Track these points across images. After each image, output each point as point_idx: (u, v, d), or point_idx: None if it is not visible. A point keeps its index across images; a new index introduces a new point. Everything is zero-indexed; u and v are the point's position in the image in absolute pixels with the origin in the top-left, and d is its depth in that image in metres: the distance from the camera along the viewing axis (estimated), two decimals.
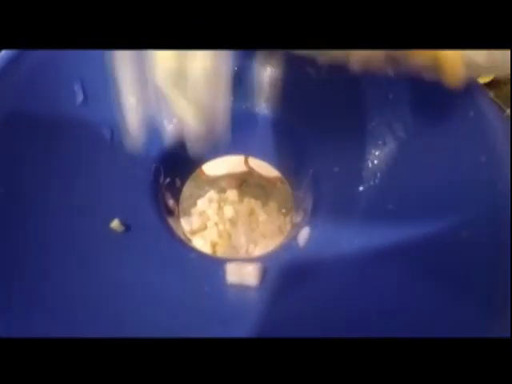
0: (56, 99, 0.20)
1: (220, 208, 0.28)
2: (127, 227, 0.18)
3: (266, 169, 0.29)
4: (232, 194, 0.28)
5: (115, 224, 0.18)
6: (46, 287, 0.16)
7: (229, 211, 0.26)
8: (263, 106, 0.22)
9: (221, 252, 0.26)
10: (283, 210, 0.28)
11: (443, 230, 0.17)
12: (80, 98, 0.20)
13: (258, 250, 0.25)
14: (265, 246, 0.25)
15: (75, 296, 0.16)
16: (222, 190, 0.29)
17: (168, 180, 0.22)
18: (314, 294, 0.17)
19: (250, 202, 0.27)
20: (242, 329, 0.16)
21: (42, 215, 0.17)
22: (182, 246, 0.19)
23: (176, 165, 0.22)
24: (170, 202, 0.22)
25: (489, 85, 0.31)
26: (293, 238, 0.19)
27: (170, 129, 0.21)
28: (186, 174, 0.24)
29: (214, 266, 0.18)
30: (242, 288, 0.17)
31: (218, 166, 0.27)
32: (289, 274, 0.18)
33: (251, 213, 0.27)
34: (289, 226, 0.26)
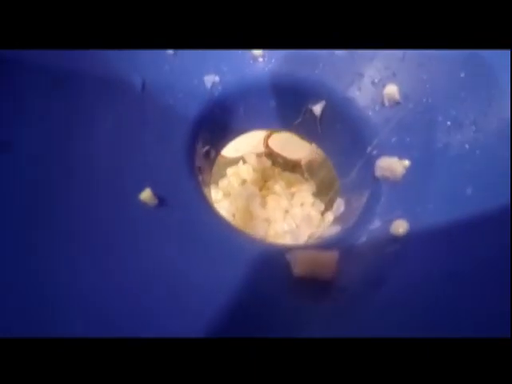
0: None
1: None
2: (160, 200, 0.15)
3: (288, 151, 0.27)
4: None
5: (146, 195, 0.15)
6: (72, 274, 0.13)
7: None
8: None
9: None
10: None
11: None
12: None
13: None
14: None
15: (103, 283, 0.13)
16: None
17: (206, 148, 0.18)
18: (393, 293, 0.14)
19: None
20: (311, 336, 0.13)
21: (63, 185, 0.14)
22: (228, 228, 0.16)
23: (214, 131, 0.19)
24: (206, 171, 0.19)
25: None
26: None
27: (210, 86, 0.18)
28: (222, 144, 0.21)
29: (274, 254, 0.15)
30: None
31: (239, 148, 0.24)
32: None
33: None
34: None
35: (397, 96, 0.18)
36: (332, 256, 0.14)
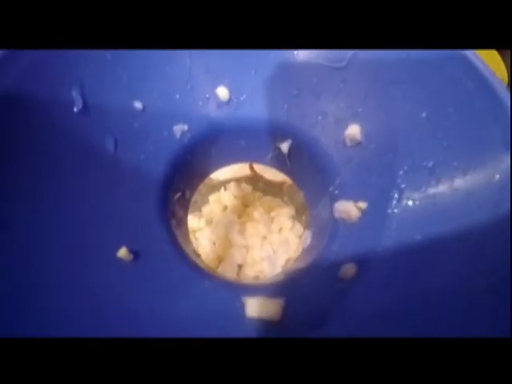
0: (50, 107, 0.17)
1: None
2: (136, 254, 0.17)
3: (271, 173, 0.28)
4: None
5: (122, 253, 0.17)
6: (53, 320, 0.15)
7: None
8: None
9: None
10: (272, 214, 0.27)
11: None
12: (79, 104, 0.18)
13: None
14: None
15: (85, 327, 0.15)
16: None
17: (179, 194, 0.20)
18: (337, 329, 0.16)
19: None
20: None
21: (39, 248, 0.16)
22: (196, 274, 0.18)
23: (187, 176, 0.21)
24: (180, 215, 0.21)
25: None
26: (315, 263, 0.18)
27: (179, 135, 0.20)
28: (196, 184, 0.22)
29: (231, 297, 0.17)
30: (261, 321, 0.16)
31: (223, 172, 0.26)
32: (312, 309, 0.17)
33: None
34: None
35: (358, 136, 0.19)
36: (278, 302, 0.16)
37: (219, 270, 0.23)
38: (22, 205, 0.16)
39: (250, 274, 0.22)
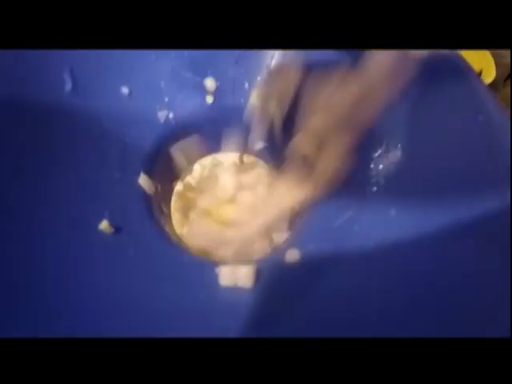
0: (42, 87, 0.18)
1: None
2: (117, 229, 0.18)
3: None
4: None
5: (104, 225, 0.18)
6: (39, 293, 0.16)
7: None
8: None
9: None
10: None
11: None
12: (69, 86, 0.19)
13: None
14: None
15: (68, 300, 0.16)
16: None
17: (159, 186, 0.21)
18: (305, 297, 0.17)
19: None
20: (235, 331, 0.16)
21: (29, 217, 0.17)
22: (174, 248, 0.19)
23: (170, 161, 0.22)
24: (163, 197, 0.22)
25: (488, 86, 0.32)
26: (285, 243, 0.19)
27: (163, 121, 0.21)
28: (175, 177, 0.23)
29: (207, 269, 0.18)
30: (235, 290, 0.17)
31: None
32: (281, 278, 0.18)
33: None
34: None
35: None
36: (249, 269, 0.17)
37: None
38: (10, 176, 0.17)
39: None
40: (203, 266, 0.18)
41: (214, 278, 0.17)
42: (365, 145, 0.20)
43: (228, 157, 0.24)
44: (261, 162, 0.24)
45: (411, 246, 0.18)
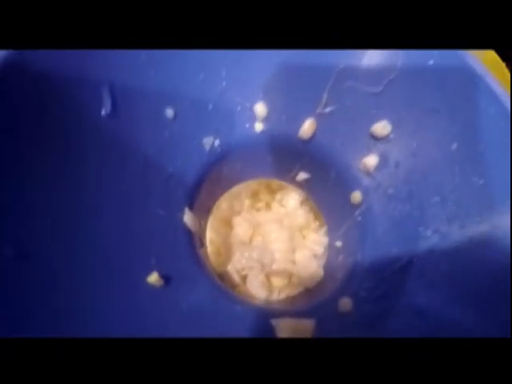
0: (79, 108, 0.16)
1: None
2: (167, 279, 0.16)
3: None
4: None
5: (153, 278, 0.16)
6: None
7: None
8: None
9: None
10: None
11: None
12: (108, 107, 0.16)
13: None
14: None
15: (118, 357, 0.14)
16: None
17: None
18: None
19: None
20: None
21: (66, 276, 0.14)
22: (226, 298, 0.18)
23: (212, 188, 0.20)
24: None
25: None
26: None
27: (208, 149, 0.19)
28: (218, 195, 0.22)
29: (263, 320, 0.17)
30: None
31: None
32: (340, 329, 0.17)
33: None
34: None
35: (371, 167, 0.20)
36: (309, 324, 0.16)
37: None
38: (41, 224, 0.15)
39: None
40: (258, 317, 0.17)
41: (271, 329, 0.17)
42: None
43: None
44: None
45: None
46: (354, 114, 0.20)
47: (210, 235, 0.21)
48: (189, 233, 0.18)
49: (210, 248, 0.21)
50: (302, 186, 0.23)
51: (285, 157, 0.21)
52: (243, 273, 0.21)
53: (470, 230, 0.19)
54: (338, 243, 0.22)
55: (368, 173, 0.20)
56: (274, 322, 0.17)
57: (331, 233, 0.22)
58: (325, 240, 0.22)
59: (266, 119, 0.20)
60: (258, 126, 0.20)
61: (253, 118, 0.20)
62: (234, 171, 0.21)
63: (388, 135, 0.20)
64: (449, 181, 0.19)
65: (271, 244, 0.21)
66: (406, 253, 0.19)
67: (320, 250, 0.22)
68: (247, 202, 0.22)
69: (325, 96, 0.20)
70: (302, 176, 0.22)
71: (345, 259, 0.20)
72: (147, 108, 0.17)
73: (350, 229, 0.21)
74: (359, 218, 0.20)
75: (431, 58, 0.19)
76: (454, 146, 0.19)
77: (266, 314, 0.17)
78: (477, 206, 0.18)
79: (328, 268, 0.21)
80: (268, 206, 0.23)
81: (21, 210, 0.14)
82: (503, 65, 0.33)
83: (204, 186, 0.19)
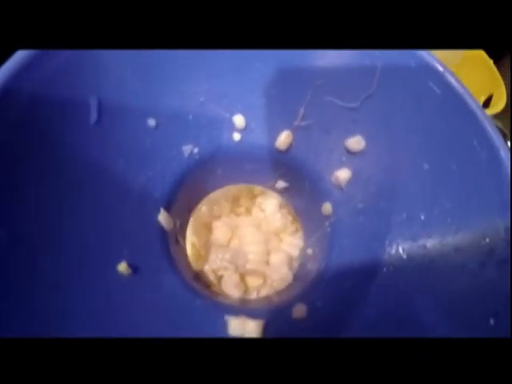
0: (66, 116, 0.18)
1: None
2: (134, 269, 0.18)
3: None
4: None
5: (123, 267, 0.18)
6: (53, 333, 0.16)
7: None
8: None
9: None
10: None
11: None
12: (94, 116, 0.18)
13: None
14: None
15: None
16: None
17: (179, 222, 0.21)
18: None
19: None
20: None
21: (50, 255, 0.17)
22: (188, 291, 0.19)
23: (189, 193, 0.22)
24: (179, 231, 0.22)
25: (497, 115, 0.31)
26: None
27: (187, 155, 0.21)
28: (196, 201, 0.23)
29: (217, 316, 0.18)
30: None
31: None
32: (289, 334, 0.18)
33: None
34: None
35: (344, 182, 0.21)
36: (258, 323, 0.18)
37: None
38: (29, 212, 0.17)
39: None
40: (214, 313, 0.19)
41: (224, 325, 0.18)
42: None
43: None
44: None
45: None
46: (330, 128, 0.21)
47: (191, 238, 0.23)
48: (162, 231, 0.20)
49: (190, 250, 0.23)
50: (281, 193, 0.24)
51: (263, 165, 0.22)
52: (219, 273, 0.23)
53: (432, 250, 0.19)
54: (309, 250, 0.22)
55: (339, 186, 0.21)
56: (227, 317, 0.18)
57: (305, 239, 0.23)
58: (300, 243, 0.23)
59: (244, 130, 0.21)
60: (236, 136, 0.21)
61: (232, 129, 0.21)
62: (215, 177, 0.23)
63: (362, 150, 0.21)
64: (418, 200, 0.19)
65: (246, 246, 0.23)
66: (369, 266, 0.20)
67: (295, 252, 0.23)
68: (227, 207, 0.24)
69: (302, 110, 0.21)
70: (281, 184, 0.23)
71: (312, 267, 0.21)
72: (131, 117, 0.20)
73: (320, 238, 0.22)
74: (328, 229, 0.21)
75: (410, 74, 0.19)
76: (426, 166, 0.19)
77: (221, 311, 0.19)
78: (442, 228, 0.18)
79: (298, 273, 0.22)
80: (248, 211, 0.24)
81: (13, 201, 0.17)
82: (491, 63, 0.32)
83: (183, 190, 0.21)
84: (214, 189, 0.23)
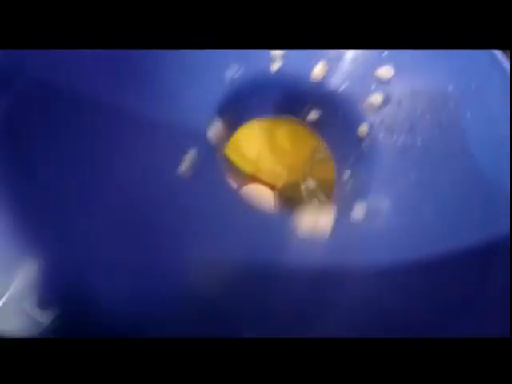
0: None
1: None
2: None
3: None
4: None
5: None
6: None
7: None
8: None
9: None
10: None
11: None
12: None
13: None
14: None
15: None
16: None
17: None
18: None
19: None
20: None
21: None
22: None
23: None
24: None
25: None
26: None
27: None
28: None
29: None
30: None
31: None
32: None
33: None
34: None
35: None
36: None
37: None
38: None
39: None
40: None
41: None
42: None
43: None
44: None
45: None
46: (362, 59, 0.23)
47: None
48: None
49: None
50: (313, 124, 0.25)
51: (297, 96, 0.24)
52: None
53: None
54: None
55: (373, 110, 0.23)
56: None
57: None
58: None
59: (281, 59, 0.23)
60: (275, 66, 0.23)
61: (270, 59, 0.23)
62: (251, 107, 0.24)
63: (391, 78, 0.23)
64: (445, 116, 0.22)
65: None
66: None
67: None
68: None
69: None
70: (313, 115, 0.24)
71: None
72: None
73: (356, 160, 0.23)
74: (365, 150, 0.23)
75: None
76: (450, 87, 0.22)
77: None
78: None
79: None
80: None
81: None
82: None
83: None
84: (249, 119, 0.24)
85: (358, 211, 0.20)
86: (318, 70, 0.23)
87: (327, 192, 0.22)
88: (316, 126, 0.25)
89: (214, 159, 0.20)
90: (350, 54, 0.23)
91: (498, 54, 0.20)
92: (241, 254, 0.18)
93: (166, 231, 0.18)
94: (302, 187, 0.23)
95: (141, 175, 0.18)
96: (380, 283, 0.18)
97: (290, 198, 0.22)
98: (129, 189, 0.18)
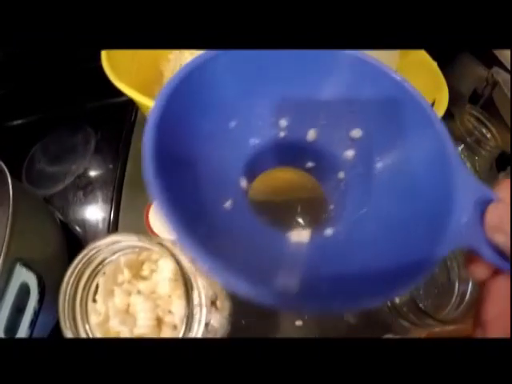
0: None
1: None
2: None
3: None
4: None
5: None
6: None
7: None
8: None
9: None
10: None
11: None
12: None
13: None
14: None
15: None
16: None
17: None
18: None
19: None
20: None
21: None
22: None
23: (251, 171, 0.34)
24: None
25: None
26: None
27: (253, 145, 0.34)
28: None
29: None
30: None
31: None
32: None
33: None
34: None
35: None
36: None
37: None
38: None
39: None
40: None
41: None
42: None
43: None
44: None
45: None
46: (339, 125, 0.34)
47: None
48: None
49: None
50: (309, 170, 0.37)
51: (298, 152, 0.35)
52: None
53: None
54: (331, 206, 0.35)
55: (348, 160, 0.34)
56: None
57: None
58: None
59: (285, 129, 0.35)
60: (281, 134, 0.35)
61: (278, 128, 0.35)
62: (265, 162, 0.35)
63: (360, 137, 0.34)
64: None
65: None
66: None
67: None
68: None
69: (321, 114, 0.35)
70: (310, 164, 0.36)
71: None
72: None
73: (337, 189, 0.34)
74: (342, 186, 0.34)
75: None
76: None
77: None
78: None
79: None
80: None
81: None
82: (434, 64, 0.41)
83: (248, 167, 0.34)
84: (266, 169, 0.36)
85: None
86: (311, 135, 0.35)
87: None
88: (311, 171, 0.37)
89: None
90: (331, 123, 0.35)
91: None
92: None
93: None
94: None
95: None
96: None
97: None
98: None
